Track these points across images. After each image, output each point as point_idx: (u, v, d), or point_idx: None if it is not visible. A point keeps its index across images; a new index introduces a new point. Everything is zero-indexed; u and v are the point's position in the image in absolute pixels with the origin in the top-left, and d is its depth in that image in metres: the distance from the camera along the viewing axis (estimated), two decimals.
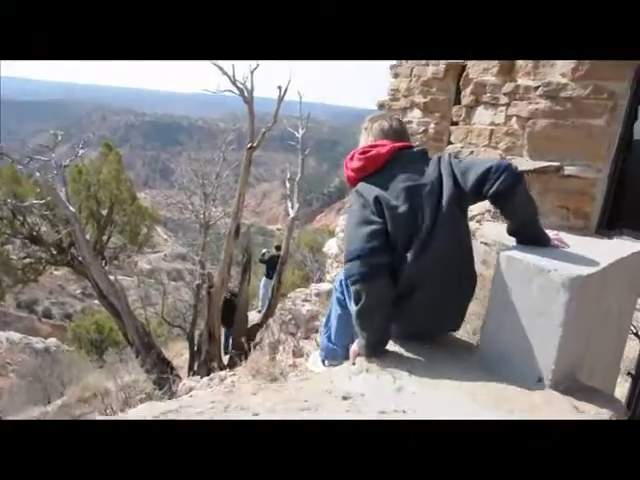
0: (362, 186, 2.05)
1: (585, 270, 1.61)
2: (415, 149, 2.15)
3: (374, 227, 1.94)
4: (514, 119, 6.38)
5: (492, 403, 1.55)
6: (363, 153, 2.10)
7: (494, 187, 1.86)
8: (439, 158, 2.07)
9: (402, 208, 1.96)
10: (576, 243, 1.94)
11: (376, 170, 2.07)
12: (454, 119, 8.21)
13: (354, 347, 2.06)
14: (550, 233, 1.98)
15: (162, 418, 1.57)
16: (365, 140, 2.24)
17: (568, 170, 5.77)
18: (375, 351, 1.96)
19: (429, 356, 1.89)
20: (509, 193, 1.87)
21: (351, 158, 2.15)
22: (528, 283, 1.63)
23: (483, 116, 7.09)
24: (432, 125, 10.18)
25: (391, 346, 1.98)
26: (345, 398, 1.65)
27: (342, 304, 2.48)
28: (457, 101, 8.76)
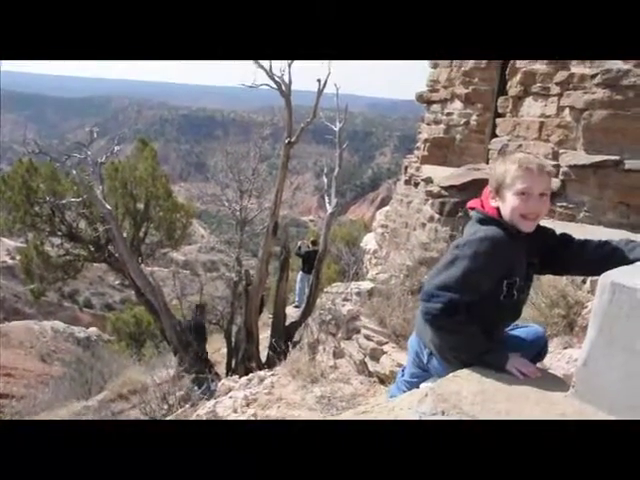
0: None
1: None
2: (471, 214, 2.09)
3: None
4: (567, 110, 6.01)
5: None
6: None
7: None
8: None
9: None
10: None
11: None
12: (499, 110, 7.85)
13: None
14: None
15: None
16: None
17: (629, 164, 5.37)
18: None
19: (514, 394, 1.65)
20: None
21: None
22: None
23: (532, 107, 6.73)
24: (474, 117, 9.81)
25: (465, 381, 1.74)
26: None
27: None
28: (501, 91, 8.38)
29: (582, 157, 5.67)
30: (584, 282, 4.93)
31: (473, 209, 2.05)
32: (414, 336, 2.41)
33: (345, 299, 7.47)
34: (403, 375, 2.55)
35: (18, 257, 14.09)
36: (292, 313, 10.48)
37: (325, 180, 10.30)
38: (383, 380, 5.54)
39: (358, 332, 6.81)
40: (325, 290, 8.57)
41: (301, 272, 11.70)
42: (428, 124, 10.84)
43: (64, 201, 10.40)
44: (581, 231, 5.26)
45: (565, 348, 3.59)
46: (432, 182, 9.13)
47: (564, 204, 5.78)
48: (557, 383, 1.74)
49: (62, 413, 9.72)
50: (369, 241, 13.63)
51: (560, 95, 6.03)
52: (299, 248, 11.77)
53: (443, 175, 8.76)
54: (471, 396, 1.63)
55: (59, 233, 11.41)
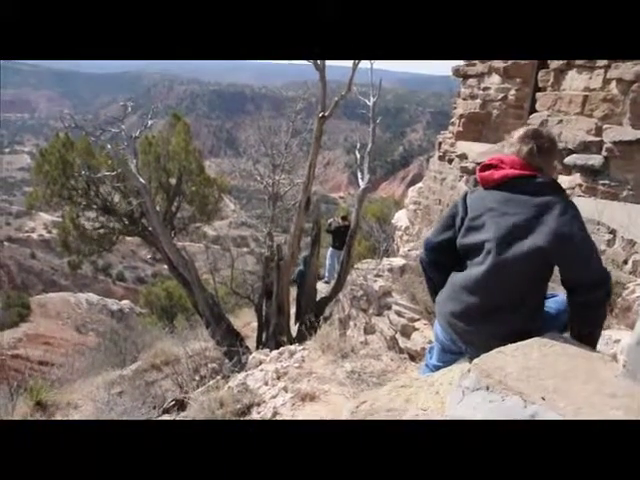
0: (469, 194, 2.22)
1: None
2: (531, 181, 2.05)
3: (443, 224, 2.26)
4: (614, 83, 5.76)
5: None
6: (484, 168, 2.17)
7: (583, 296, 1.89)
8: (553, 205, 1.95)
9: (474, 232, 2.12)
10: None
11: (489, 186, 2.14)
12: (540, 84, 7.58)
13: None
14: None
15: None
16: (507, 147, 2.24)
17: None
18: None
19: (561, 372, 1.60)
20: (590, 306, 1.91)
21: (482, 166, 2.21)
22: None
23: (576, 81, 6.48)
24: (512, 92, 9.53)
25: (510, 357, 1.70)
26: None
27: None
28: (542, 64, 8.10)
29: (628, 132, 5.44)
30: (625, 263, 4.79)
31: (531, 177, 2.06)
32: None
33: (377, 275, 7.44)
34: (431, 358, 2.54)
35: (55, 231, 14.39)
36: (321, 289, 10.50)
37: (358, 156, 10.18)
38: (414, 357, 5.53)
39: (389, 308, 6.79)
40: (356, 266, 8.53)
41: (331, 248, 11.69)
42: (464, 99, 10.59)
43: (99, 175, 10.53)
44: (625, 210, 5.09)
45: (604, 329, 3.50)
46: (467, 158, 8.95)
47: (606, 182, 5.57)
48: (605, 362, 1.69)
49: (98, 381, 10.00)
50: (400, 218, 13.52)
51: (607, 67, 5.77)
52: (329, 225, 11.74)
53: (479, 151, 8.57)
54: (516, 372, 1.59)
55: (94, 207, 11.58)
